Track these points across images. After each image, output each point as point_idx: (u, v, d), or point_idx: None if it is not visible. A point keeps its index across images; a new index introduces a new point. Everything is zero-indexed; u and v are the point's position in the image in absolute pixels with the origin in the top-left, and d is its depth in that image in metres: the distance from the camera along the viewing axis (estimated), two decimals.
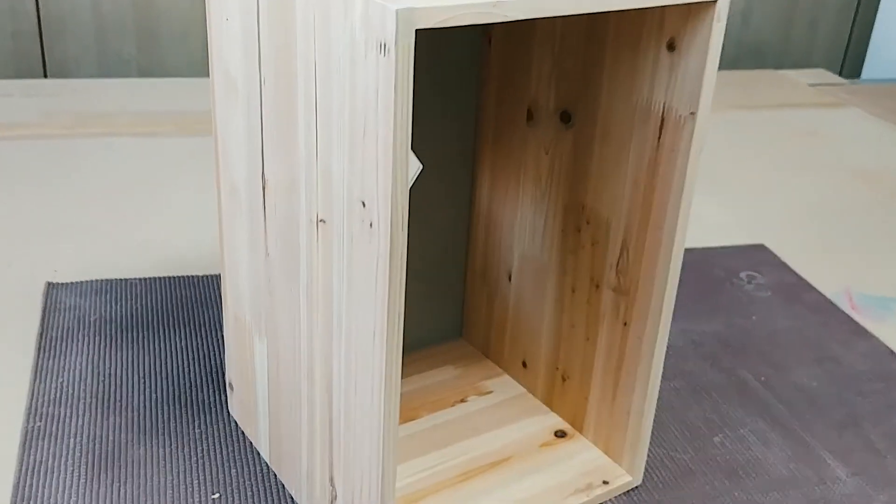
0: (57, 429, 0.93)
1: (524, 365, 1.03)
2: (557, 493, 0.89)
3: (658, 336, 0.84)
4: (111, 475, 0.89)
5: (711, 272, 1.37)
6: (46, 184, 1.50)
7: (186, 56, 2.10)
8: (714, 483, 0.94)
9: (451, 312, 1.10)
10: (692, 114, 0.75)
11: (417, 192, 1.00)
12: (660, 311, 0.83)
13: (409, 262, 1.03)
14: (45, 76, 2.03)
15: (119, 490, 0.87)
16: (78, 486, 0.87)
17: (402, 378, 1.01)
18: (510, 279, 1.01)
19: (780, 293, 1.32)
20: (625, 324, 0.87)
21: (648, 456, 0.96)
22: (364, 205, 0.63)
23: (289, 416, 0.83)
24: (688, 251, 1.41)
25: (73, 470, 0.89)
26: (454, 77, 0.96)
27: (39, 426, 0.94)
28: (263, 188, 0.77)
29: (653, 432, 1.00)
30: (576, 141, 0.87)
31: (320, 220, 0.70)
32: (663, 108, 0.77)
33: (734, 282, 1.35)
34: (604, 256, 0.88)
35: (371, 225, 0.63)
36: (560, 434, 0.97)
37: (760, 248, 1.45)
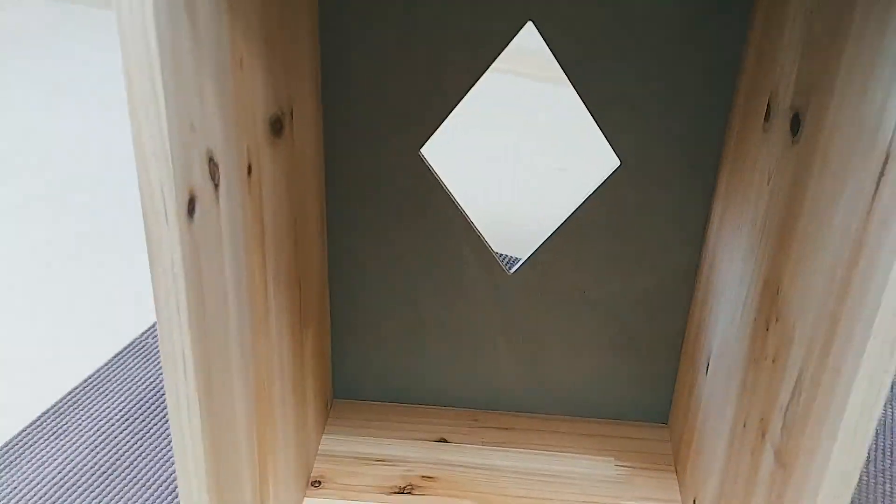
0: (31, 459, 0.73)
1: None
2: None
3: None
4: None
5: None
6: None
7: None
8: None
9: (658, 390, 0.75)
10: None
11: (625, 214, 0.67)
12: None
13: (617, 309, 0.71)
14: None
15: None
16: None
17: (541, 452, 0.71)
18: (707, 369, 0.64)
19: None
20: None
21: None
22: None
23: None
24: None
25: None
26: (713, 40, 0.61)
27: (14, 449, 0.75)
28: None
29: None
30: (797, 166, 0.48)
31: None
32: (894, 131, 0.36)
33: None
34: (778, 386, 0.48)
35: None
36: None
37: None
